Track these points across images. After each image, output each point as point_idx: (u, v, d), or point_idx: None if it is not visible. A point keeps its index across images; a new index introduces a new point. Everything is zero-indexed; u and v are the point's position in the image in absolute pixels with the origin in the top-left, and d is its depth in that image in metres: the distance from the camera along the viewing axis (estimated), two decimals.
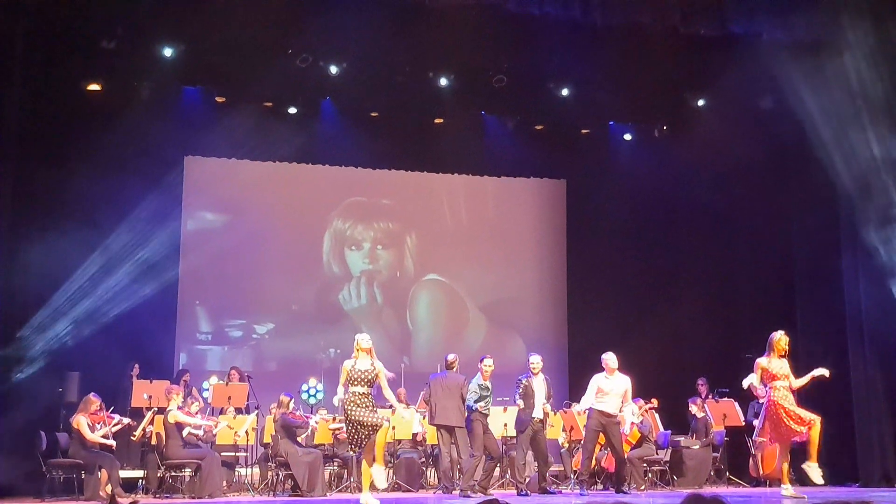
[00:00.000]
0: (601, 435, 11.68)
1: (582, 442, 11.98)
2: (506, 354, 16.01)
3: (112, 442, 11.71)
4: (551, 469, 12.83)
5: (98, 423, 11.61)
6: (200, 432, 11.96)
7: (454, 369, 12.19)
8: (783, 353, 10.37)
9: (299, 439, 12.36)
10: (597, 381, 11.55)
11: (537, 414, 11.62)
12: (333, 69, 14.28)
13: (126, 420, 11.99)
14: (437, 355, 15.78)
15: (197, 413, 12.17)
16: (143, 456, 12.52)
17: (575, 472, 12.77)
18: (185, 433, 11.68)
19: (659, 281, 16.21)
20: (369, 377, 9.78)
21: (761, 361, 10.33)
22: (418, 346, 16.70)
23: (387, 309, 16.69)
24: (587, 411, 11.63)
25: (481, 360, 11.93)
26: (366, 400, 9.74)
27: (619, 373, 11.58)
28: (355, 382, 9.75)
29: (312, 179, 16.51)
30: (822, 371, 10.43)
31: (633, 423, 12.73)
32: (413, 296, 16.92)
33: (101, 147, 13.42)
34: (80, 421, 11.37)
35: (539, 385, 11.67)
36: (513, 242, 17.40)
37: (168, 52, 13.60)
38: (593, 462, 12.27)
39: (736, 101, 14.42)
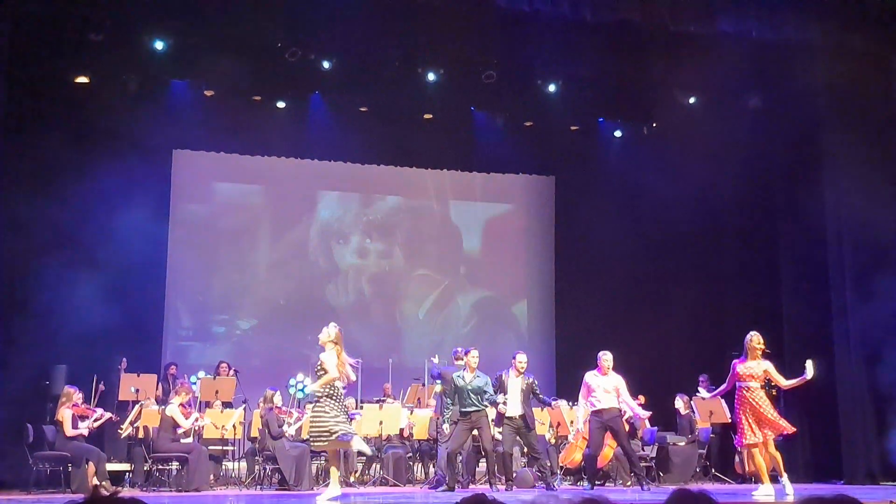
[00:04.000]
0: (607, 432, 11.67)
1: (587, 444, 11.85)
2: (494, 350, 16.05)
3: (85, 431, 11.62)
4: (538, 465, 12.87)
5: (81, 417, 11.58)
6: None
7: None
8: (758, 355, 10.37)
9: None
10: (587, 379, 11.57)
11: (512, 412, 11.46)
12: (323, 64, 14.27)
13: (108, 414, 11.96)
14: (425, 351, 15.82)
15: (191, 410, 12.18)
16: (130, 449, 12.51)
17: (562, 467, 12.83)
18: (179, 431, 11.70)
19: (647, 279, 16.24)
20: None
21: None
22: (407, 342, 16.71)
23: (375, 304, 16.69)
24: (587, 415, 11.57)
25: (466, 353, 11.89)
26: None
27: (612, 371, 11.60)
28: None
29: (300, 174, 16.51)
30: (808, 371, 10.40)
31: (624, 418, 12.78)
32: (402, 291, 16.93)
33: (88, 140, 13.40)
34: (65, 414, 11.35)
35: (514, 383, 11.63)
36: (501, 239, 17.42)
37: (156, 45, 13.55)
38: (572, 458, 12.41)
39: (725, 99, 14.47)
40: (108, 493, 3.16)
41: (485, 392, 11.35)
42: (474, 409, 11.31)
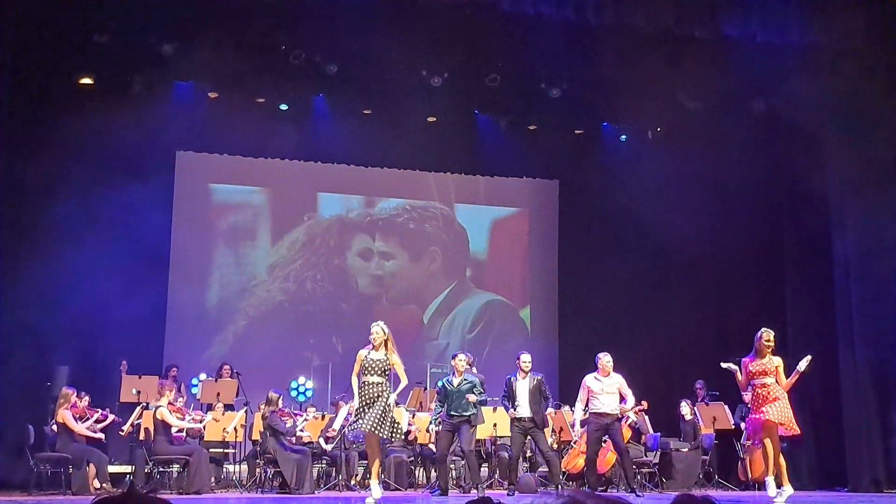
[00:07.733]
0: (605, 436, 11.64)
1: (585, 451, 11.82)
2: (497, 353, 16.02)
3: (100, 435, 11.71)
4: (539, 470, 12.84)
5: (81, 418, 11.59)
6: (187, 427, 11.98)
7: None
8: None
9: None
10: (587, 382, 11.49)
11: (521, 413, 11.40)
12: (327, 66, 14.25)
13: (112, 416, 11.97)
14: (428, 355, 15.80)
15: (182, 407, 12.16)
16: (132, 451, 12.49)
17: (564, 472, 12.78)
18: (173, 430, 11.67)
19: (650, 283, 16.19)
20: (383, 367, 10.00)
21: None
22: (410, 346, 16.61)
23: (378, 307, 16.64)
24: (587, 418, 11.50)
25: (454, 357, 11.81)
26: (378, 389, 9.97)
27: (613, 373, 11.53)
28: (367, 372, 10.01)
29: (304, 176, 16.49)
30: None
31: (627, 423, 12.75)
32: (406, 294, 16.88)
33: (92, 141, 13.41)
34: (65, 415, 11.35)
35: (522, 385, 11.59)
36: (507, 242, 17.38)
37: (161, 47, 13.55)
38: (575, 463, 12.39)
39: (729, 103, 14.43)
40: (146, 491, 3.13)
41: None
42: (457, 413, 11.30)
